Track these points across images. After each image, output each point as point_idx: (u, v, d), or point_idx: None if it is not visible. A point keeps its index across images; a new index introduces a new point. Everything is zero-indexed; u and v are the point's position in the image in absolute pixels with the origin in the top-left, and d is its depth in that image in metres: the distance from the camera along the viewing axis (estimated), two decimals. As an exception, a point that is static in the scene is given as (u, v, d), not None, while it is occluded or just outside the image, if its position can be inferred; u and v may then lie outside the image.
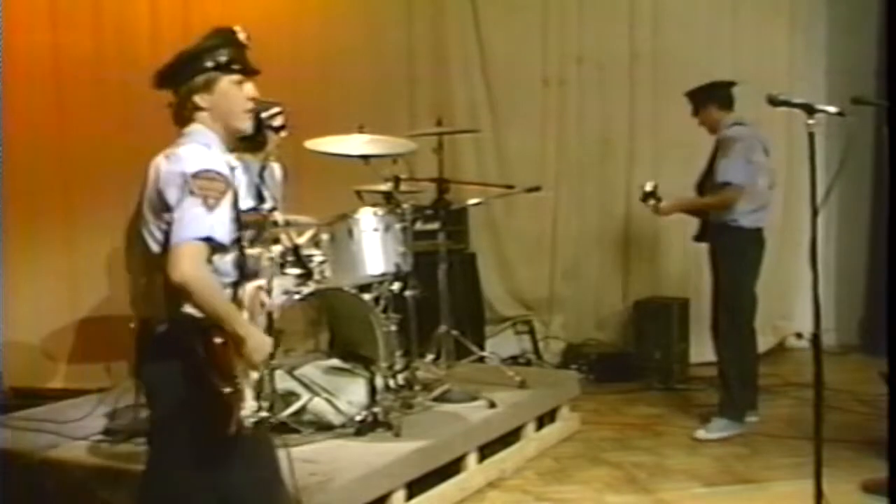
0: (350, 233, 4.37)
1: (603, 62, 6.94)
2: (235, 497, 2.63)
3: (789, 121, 6.37)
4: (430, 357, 5.19)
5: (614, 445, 5.00)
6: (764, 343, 6.50)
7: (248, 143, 4.40)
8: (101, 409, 4.36)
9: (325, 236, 4.44)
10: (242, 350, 2.51)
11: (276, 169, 4.83)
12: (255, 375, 2.58)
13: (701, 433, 5.08)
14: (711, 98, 5.27)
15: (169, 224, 2.51)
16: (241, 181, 2.72)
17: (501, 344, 6.76)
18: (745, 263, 5.11)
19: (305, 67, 6.07)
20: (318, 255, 4.39)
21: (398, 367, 4.59)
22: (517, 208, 6.87)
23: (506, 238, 7.09)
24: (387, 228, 4.44)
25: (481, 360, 5.56)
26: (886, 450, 3.75)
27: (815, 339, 3.28)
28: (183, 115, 2.73)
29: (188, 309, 2.50)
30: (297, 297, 4.08)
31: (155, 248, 2.57)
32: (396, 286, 4.63)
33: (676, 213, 5.33)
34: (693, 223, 5.44)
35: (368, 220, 4.43)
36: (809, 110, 3.28)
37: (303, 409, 4.09)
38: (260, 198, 4.23)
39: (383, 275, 4.45)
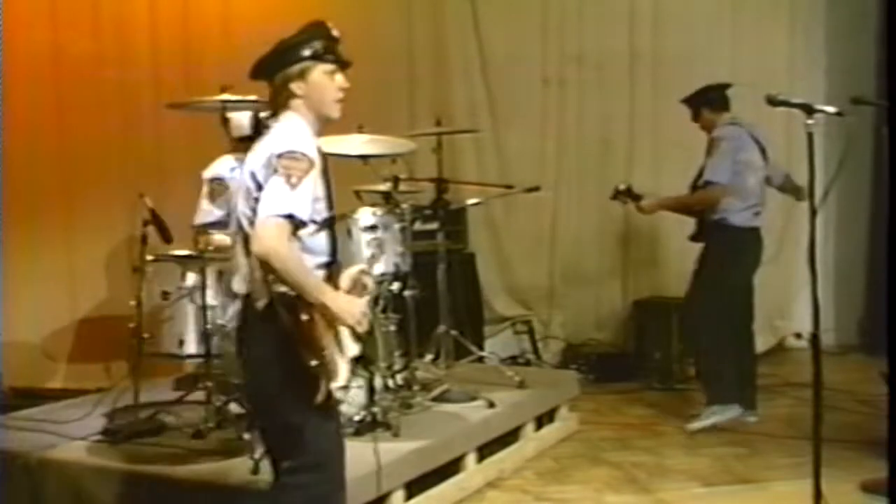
0: (349, 233, 4.37)
1: (603, 62, 6.94)
2: (328, 457, 2.80)
3: (789, 121, 6.36)
4: (429, 357, 5.19)
5: (614, 445, 5.00)
6: (763, 343, 6.52)
7: (248, 143, 4.42)
8: (100, 409, 4.36)
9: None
10: (328, 317, 2.64)
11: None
12: (353, 349, 2.72)
13: (692, 425, 5.15)
14: (704, 102, 5.37)
15: (258, 203, 2.64)
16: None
17: (500, 344, 6.76)
18: (730, 261, 5.16)
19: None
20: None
21: (397, 367, 4.60)
22: (516, 208, 6.87)
23: (505, 238, 7.09)
24: (386, 228, 4.44)
25: (480, 360, 5.56)
26: (886, 450, 3.75)
27: (815, 338, 3.28)
28: (278, 103, 2.83)
29: (281, 286, 2.62)
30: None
31: (249, 228, 2.71)
32: (395, 286, 4.62)
33: (659, 210, 5.44)
34: (691, 223, 5.47)
35: (367, 220, 4.43)
36: (809, 110, 3.28)
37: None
38: None
39: (382, 275, 4.45)
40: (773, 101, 3.44)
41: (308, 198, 2.64)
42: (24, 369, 5.57)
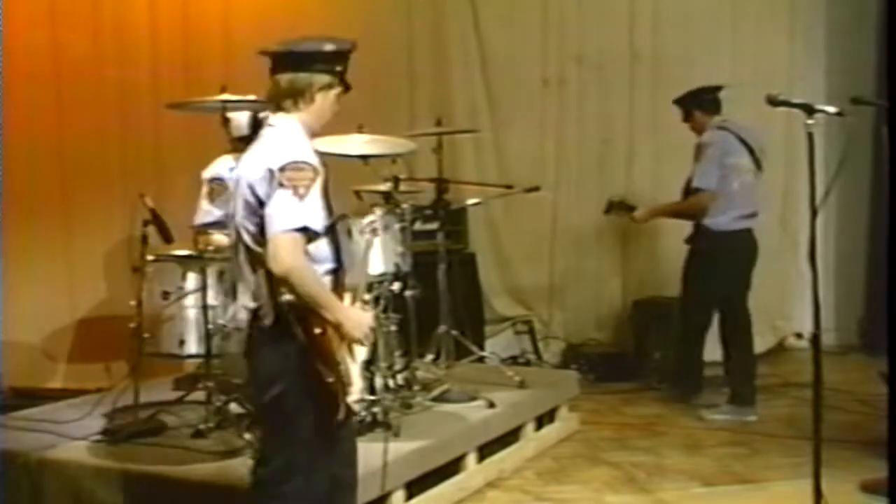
0: (349, 233, 4.37)
1: (603, 62, 6.93)
2: (339, 477, 2.82)
3: (789, 121, 6.36)
4: (429, 357, 5.18)
5: (613, 445, 5.00)
6: (764, 343, 6.53)
7: (247, 143, 4.40)
8: (100, 409, 4.36)
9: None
10: (342, 332, 2.63)
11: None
12: (362, 354, 2.74)
13: (711, 415, 5.36)
14: (696, 103, 5.47)
15: (262, 219, 2.60)
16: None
17: (501, 344, 6.76)
18: (711, 266, 5.29)
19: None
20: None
21: (397, 366, 4.60)
22: (516, 208, 6.86)
23: (505, 238, 7.08)
24: (386, 228, 4.44)
25: (481, 360, 5.55)
26: (886, 450, 3.75)
27: (815, 338, 3.28)
28: (286, 102, 2.74)
29: (287, 297, 2.60)
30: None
31: (252, 243, 2.68)
32: (396, 286, 4.62)
33: (653, 219, 5.64)
34: (689, 225, 5.57)
35: (368, 220, 4.43)
36: (809, 110, 3.28)
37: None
38: None
39: (383, 275, 4.45)
40: (773, 102, 3.44)
41: (318, 207, 2.61)
42: (24, 369, 5.57)
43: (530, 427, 4.88)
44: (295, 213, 2.55)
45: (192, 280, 4.20)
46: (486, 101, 7.04)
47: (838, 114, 3.37)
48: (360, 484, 3.53)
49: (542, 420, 5.04)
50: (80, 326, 5.87)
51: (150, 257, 4.24)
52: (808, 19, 7.20)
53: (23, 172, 5.52)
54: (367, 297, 4.35)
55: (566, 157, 7.02)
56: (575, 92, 7.00)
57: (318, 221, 2.60)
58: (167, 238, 4.27)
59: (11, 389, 5.42)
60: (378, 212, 4.37)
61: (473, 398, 4.67)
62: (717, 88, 5.48)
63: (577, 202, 7.03)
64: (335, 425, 2.67)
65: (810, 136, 3.26)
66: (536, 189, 5.67)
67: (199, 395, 4.39)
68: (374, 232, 4.14)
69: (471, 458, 4.32)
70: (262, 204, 2.61)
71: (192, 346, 4.20)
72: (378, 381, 4.23)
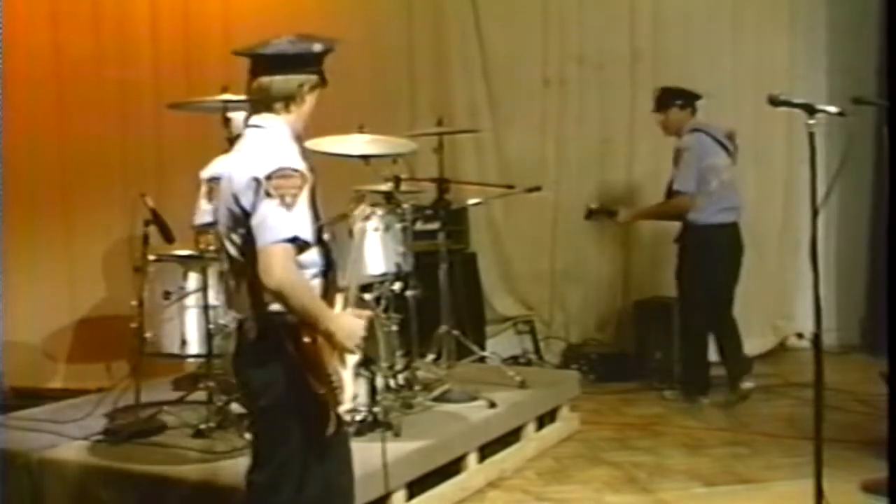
0: (350, 233, 4.36)
1: (603, 62, 6.93)
2: (333, 484, 2.75)
3: (790, 121, 6.37)
4: (430, 357, 5.19)
5: (614, 445, 5.00)
6: (764, 343, 6.55)
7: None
8: (101, 409, 4.36)
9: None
10: (333, 342, 2.57)
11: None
12: (352, 361, 2.66)
13: (747, 384, 5.63)
14: (673, 101, 5.67)
15: (247, 229, 2.52)
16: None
17: (502, 344, 6.75)
18: (699, 258, 5.54)
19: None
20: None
21: (398, 366, 4.60)
22: (517, 208, 6.86)
23: (506, 238, 7.08)
24: (387, 228, 4.44)
25: (482, 359, 5.55)
26: (886, 450, 3.75)
27: (816, 339, 3.29)
28: (276, 104, 2.66)
29: (274, 307, 2.54)
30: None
31: (236, 253, 2.61)
32: (397, 286, 4.62)
33: (635, 221, 5.94)
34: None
35: (360, 225, 4.42)
36: (810, 110, 3.29)
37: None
38: None
39: (384, 275, 4.45)
40: (774, 101, 3.44)
41: (307, 216, 2.52)
42: (24, 369, 5.56)
43: (531, 427, 4.88)
44: (284, 223, 2.46)
45: (193, 280, 4.20)
46: (486, 101, 7.04)
47: (839, 114, 3.37)
48: (362, 484, 3.54)
49: (543, 420, 5.04)
50: (80, 326, 5.87)
51: (151, 257, 4.24)
52: (808, 19, 7.20)
53: (23, 172, 5.52)
54: (367, 296, 4.36)
55: (567, 157, 7.02)
56: (575, 92, 6.99)
57: (308, 231, 2.52)
58: (168, 238, 4.27)
59: (12, 389, 5.42)
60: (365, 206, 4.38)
61: (474, 398, 4.67)
62: (697, 96, 5.70)
63: (578, 202, 7.00)
64: (326, 435, 2.62)
65: (811, 136, 3.26)
66: (537, 189, 5.67)
67: (199, 394, 4.39)
68: (366, 219, 4.08)
69: (472, 458, 4.32)
70: (246, 215, 2.53)
71: (194, 346, 4.20)
72: (379, 381, 4.23)
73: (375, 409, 4.14)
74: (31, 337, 5.74)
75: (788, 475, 4.34)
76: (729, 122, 5.90)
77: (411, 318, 4.86)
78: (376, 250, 4.45)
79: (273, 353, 2.58)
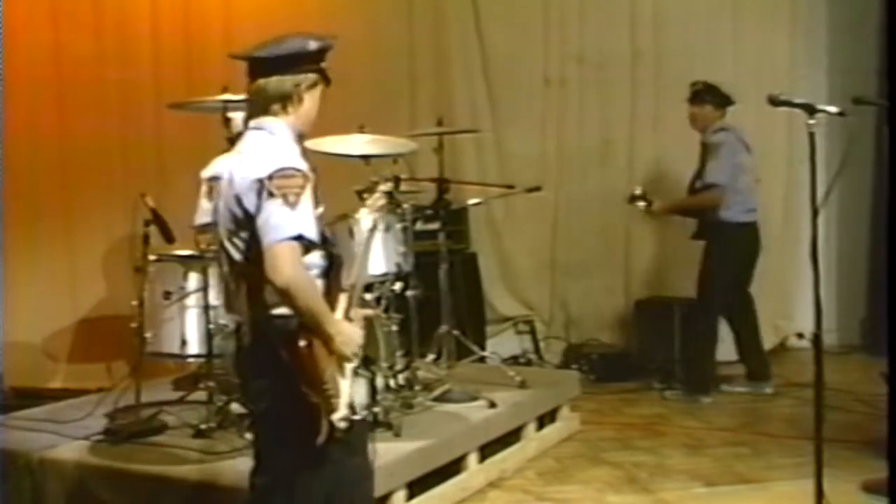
0: (350, 233, 4.36)
1: (604, 62, 6.93)
2: (337, 492, 2.69)
3: (790, 121, 6.37)
4: (430, 357, 5.18)
5: (615, 445, 5.00)
6: (766, 343, 6.51)
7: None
8: (101, 409, 4.36)
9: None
10: (332, 347, 2.55)
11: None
12: (349, 368, 2.61)
13: (730, 388, 5.88)
14: (712, 98, 5.68)
15: (251, 231, 2.52)
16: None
17: (502, 344, 6.74)
18: (726, 256, 5.63)
19: (305, 67, 6.07)
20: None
21: (399, 366, 4.60)
22: (518, 208, 6.87)
23: (506, 238, 7.08)
24: (387, 228, 4.44)
25: (482, 359, 5.55)
26: (886, 450, 3.75)
27: (817, 339, 3.29)
28: (274, 106, 2.64)
29: (274, 311, 2.53)
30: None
31: (237, 255, 2.60)
32: (397, 286, 4.62)
33: (669, 214, 5.90)
34: (692, 223, 5.74)
35: (369, 220, 4.42)
36: (810, 110, 3.29)
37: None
38: None
39: (384, 275, 4.45)
40: (774, 101, 3.45)
41: (311, 215, 2.51)
42: (24, 369, 5.56)
43: (531, 427, 4.88)
44: (288, 221, 2.45)
45: (193, 280, 4.21)
46: (487, 101, 7.04)
47: (840, 114, 3.37)
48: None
49: (544, 420, 5.03)
50: (81, 326, 5.87)
51: (151, 257, 4.24)
52: (809, 19, 7.19)
53: (24, 172, 5.52)
54: (368, 296, 4.35)
55: (567, 157, 7.02)
56: (576, 92, 6.99)
57: (313, 229, 2.51)
58: (169, 238, 4.27)
59: (12, 389, 5.42)
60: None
61: (475, 398, 4.66)
62: (731, 100, 5.74)
63: (579, 202, 7.03)
64: (320, 445, 2.56)
65: (812, 136, 3.26)
66: (538, 189, 5.67)
67: (199, 394, 4.39)
68: (379, 210, 4.06)
69: (472, 458, 4.32)
70: (250, 217, 2.52)
71: (194, 346, 4.20)
72: (379, 381, 4.23)
73: (375, 410, 4.14)
74: (31, 337, 5.74)
75: (789, 475, 4.34)
76: (729, 122, 5.91)
77: (411, 318, 4.85)
78: (376, 250, 4.45)
79: (269, 358, 2.55)
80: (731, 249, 5.63)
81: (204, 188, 4.58)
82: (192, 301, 4.19)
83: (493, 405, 4.61)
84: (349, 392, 2.61)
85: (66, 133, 5.83)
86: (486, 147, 6.99)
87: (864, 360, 6.44)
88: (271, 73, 2.65)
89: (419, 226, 5.01)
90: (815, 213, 3.24)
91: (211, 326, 4.12)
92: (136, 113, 5.97)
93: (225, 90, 4.25)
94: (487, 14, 6.99)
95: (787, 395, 5.81)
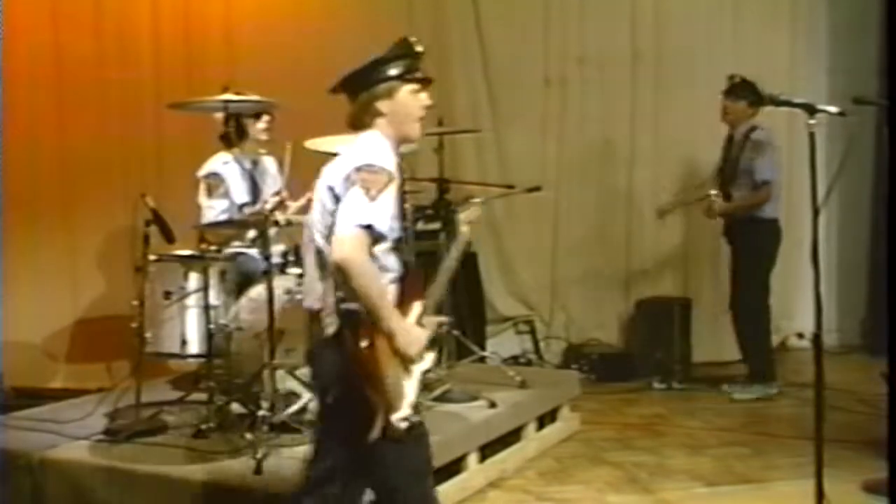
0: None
1: (604, 62, 6.93)
2: (392, 492, 2.76)
3: (790, 121, 6.36)
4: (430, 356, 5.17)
5: (615, 445, 5.00)
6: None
7: (226, 141, 4.42)
8: (101, 409, 4.36)
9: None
10: (394, 346, 2.63)
11: (269, 162, 4.84)
12: (417, 371, 2.72)
13: (736, 395, 5.80)
14: (750, 95, 5.72)
15: (335, 220, 2.66)
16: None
17: (502, 344, 6.75)
18: (766, 250, 5.78)
19: (305, 67, 6.07)
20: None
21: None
22: (518, 208, 6.86)
23: (507, 238, 7.08)
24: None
25: (482, 359, 5.55)
26: (886, 450, 3.75)
27: (817, 339, 3.28)
28: (363, 121, 2.83)
29: (345, 305, 2.65)
30: (298, 296, 4.08)
31: (322, 243, 2.73)
32: (397, 286, 4.61)
33: (730, 214, 5.88)
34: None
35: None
36: (810, 110, 3.28)
37: (303, 409, 4.08)
38: (254, 193, 4.28)
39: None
40: (775, 101, 3.44)
41: (387, 210, 2.66)
42: (25, 369, 5.57)
43: (532, 427, 4.88)
44: (363, 211, 2.60)
45: (193, 280, 4.20)
46: (487, 101, 7.04)
47: (840, 114, 3.36)
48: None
49: (544, 420, 5.03)
50: (81, 326, 5.88)
51: (152, 257, 4.24)
52: (809, 19, 7.20)
53: (24, 173, 5.53)
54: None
55: (568, 157, 7.02)
56: (576, 92, 6.99)
57: (385, 223, 2.65)
58: (169, 238, 4.27)
59: (13, 389, 5.43)
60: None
61: (475, 398, 4.66)
62: (764, 101, 5.76)
63: (579, 202, 7.03)
64: (373, 441, 2.63)
65: (812, 136, 3.25)
66: (538, 189, 5.66)
67: (200, 394, 4.39)
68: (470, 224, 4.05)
69: (472, 458, 4.32)
70: (338, 201, 2.69)
71: (194, 346, 4.20)
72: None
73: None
74: (31, 337, 5.75)
75: (789, 475, 4.34)
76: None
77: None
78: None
79: (336, 349, 2.67)
80: (770, 244, 5.77)
81: (202, 186, 4.61)
82: (192, 301, 4.19)
83: (493, 405, 4.61)
84: (414, 393, 2.70)
85: (66, 133, 5.84)
86: (487, 147, 6.99)
87: (864, 360, 6.44)
88: (353, 93, 2.83)
89: (420, 226, 5.01)
90: (815, 213, 3.23)
91: (211, 326, 4.12)
92: (136, 113, 5.98)
93: (225, 90, 4.25)
94: (487, 14, 6.98)
95: (787, 395, 5.81)
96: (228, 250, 4.51)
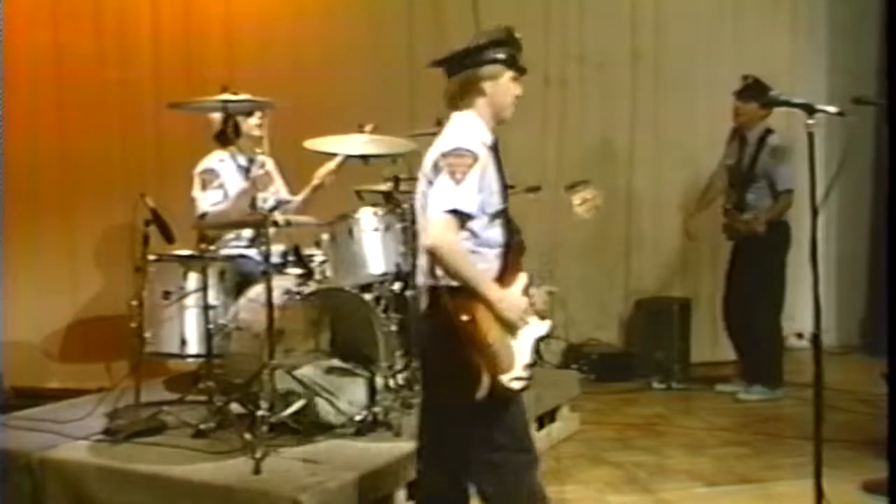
0: (350, 232, 4.38)
1: (604, 62, 6.93)
2: (499, 449, 2.90)
3: (790, 121, 6.36)
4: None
5: (615, 445, 5.00)
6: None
7: (222, 140, 4.43)
8: (101, 409, 4.35)
9: (325, 236, 4.46)
10: (495, 312, 2.82)
11: (266, 161, 4.84)
12: (527, 334, 2.92)
13: (742, 395, 5.82)
14: (762, 98, 5.58)
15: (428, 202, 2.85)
16: (232, 173, 2.86)
17: (502, 344, 6.74)
18: (782, 253, 5.81)
19: (305, 67, 6.08)
20: (318, 255, 4.41)
21: (398, 366, 4.59)
22: (517, 208, 6.81)
23: (506, 238, 7.07)
24: (387, 228, 4.45)
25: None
26: (886, 450, 3.75)
27: (816, 338, 3.28)
28: (463, 99, 2.98)
29: (443, 282, 2.82)
30: (298, 296, 4.09)
31: (421, 225, 2.95)
32: (397, 286, 4.62)
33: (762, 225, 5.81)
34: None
35: (369, 220, 4.44)
36: (810, 110, 3.28)
37: (303, 409, 4.08)
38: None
39: (384, 274, 4.46)
40: (774, 101, 3.46)
41: (473, 192, 2.80)
42: (24, 369, 5.57)
43: (531, 427, 4.86)
44: (450, 196, 2.77)
45: (193, 280, 4.20)
46: (486, 101, 7.02)
47: (839, 114, 3.36)
48: (361, 484, 3.55)
49: (544, 420, 5.03)
50: (80, 326, 5.88)
51: (151, 257, 4.23)
52: (809, 19, 7.20)
53: (24, 172, 5.53)
54: (367, 296, 4.36)
55: (568, 157, 7.02)
56: (576, 92, 6.99)
57: (471, 205, 2.80)
58: (169, 238, 4.27)
59: (12, 389, 5.42)
60: (368, 210, 4.46)
61: (474, 398, 4.66)
62: (775, 104, 5.73)
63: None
64: (481, 401, 2.77)
65: (811, 136, 3.25)
66: (537, 189, 5.65)
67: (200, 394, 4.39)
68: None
69: (472, 458, 4.31)
70: (431, 185, 2.86)
71: (193, 346, 4.20)
72: (379, 381, 4.23)
73: (375, 409, 4.15)
74: (31, 336, 5.75)
75: (789, 475, 4.35)
76: (729, 122, 5.92)
77: (411, 318, 4.85)
78: (376, 250, 4.45)
79: (438, 322, 2.85)
80: (786, 247, 5.78)
81: (196, 181, 4.62)
82: (192, 301, 4.19)
83: (493, 405, 4.60)
84: (529, 355, 2.90)
85: (66, 133, 5.84)
86: (486, 147, 6.98)
87: (864, 360, 6.45)
88: (455, 71, 3.00)
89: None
90: (814, 213, 3.23)
91: (210, 326, 4.12)
92: (136, 113, 5.97)
93: (224, 90, 4.24)
94: (487, 14, 6.95)
95: (787, 395, 5.82)
96: (228, 251, 4.51)
